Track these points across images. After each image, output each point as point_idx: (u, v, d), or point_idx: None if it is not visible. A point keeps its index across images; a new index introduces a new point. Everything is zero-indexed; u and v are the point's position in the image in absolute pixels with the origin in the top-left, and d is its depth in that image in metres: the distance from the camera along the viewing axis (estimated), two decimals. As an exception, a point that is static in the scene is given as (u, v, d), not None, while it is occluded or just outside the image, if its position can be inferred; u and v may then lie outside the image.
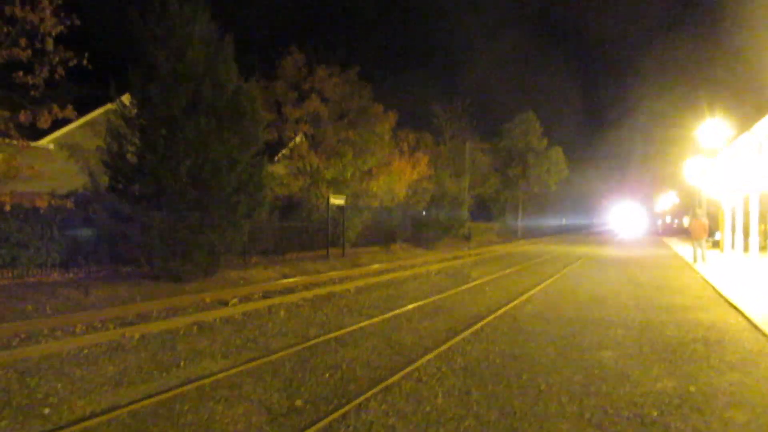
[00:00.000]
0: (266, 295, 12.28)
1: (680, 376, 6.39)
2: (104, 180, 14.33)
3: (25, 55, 12.10)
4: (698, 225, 22.60)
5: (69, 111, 12.22)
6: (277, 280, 14.78)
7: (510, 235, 48.39)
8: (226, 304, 11.18)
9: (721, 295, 12.77)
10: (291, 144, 25.94)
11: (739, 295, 12.44)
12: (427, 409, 5.27)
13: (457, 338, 8.21)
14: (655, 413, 5.21)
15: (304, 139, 25.81)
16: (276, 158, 26.48)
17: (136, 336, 8.04)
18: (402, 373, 6.32)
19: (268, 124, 23.32)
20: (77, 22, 12.71)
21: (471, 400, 5.52)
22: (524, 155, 49.15)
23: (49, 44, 13.59)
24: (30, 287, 11.66)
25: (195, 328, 8.82)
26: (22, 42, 11.90)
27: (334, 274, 16.59)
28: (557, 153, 51.53)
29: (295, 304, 11.40)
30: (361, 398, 5.44)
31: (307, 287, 13.69)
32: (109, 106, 15.54)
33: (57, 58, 12.58)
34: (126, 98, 14.69)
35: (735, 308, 11.03)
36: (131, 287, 12.61)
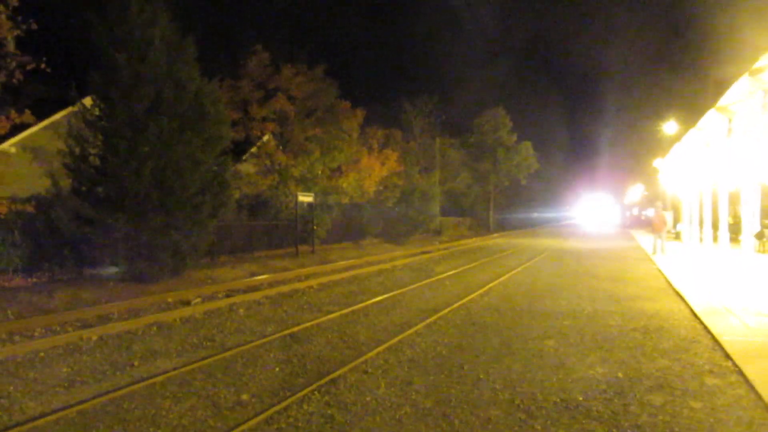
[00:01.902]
0: (229, 294, 12.46)
1: (612, 363, 6.77)
2: (67, 183, 14.34)
3: (-20, 60, 12.13)
4: (659, 218, 23.30)
5: (27, 115, 12.28)
6: (244, 279, 14.93)
7: (481, 230, 48.99)
8: (188, 303, 11.34)
9: (671, 286, 13.28)
10: (259, 143, 26.05)
11: (687, 285, 12.95)
12: (368, 399, 5.55)
13: (410, 331, 8.51)
14: (581, 398, 5.56)
15: (271, 137, 25.94)
16: (244, 157, 26.58)
17: (94, 338, 8.20)
18: (350, 366, 6.61)
19: (235, 123, 23.42)
20: (34, 26, 12.75)
21: (411, 390, 5.82)
22: (494, 150, 49.71)
23: (11, 46, 13.63)
24: (-7, 292, 11.66)
25: (154, 328, 9.00)
26: (-23, 47, 11.93)
27: (301, 271, 16.79)
28: (527, 148, 52.17)
29: (257, 302, 11.61)
30: (306, 390, 5.71)
31: (271, 285, 13.89)
32: (71, 108, 15.54)
33: (14, 63, 12.61)
34: (88, 101, 14.73)
35: (681, 298, 11.52)
36: (95, 290, 12.67)
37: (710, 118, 11.84)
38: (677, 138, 18.19)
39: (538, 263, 19.87)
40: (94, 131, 14.29)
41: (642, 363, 6.78)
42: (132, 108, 13.89)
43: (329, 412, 5.20)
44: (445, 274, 16.13)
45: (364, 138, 31.13)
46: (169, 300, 11.60)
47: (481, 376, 6.28)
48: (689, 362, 6.81)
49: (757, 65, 8.18)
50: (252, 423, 4.92)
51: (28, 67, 13.23)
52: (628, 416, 5.10)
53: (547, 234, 46.68)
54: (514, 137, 51.20)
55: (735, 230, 17.33)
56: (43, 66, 13.34)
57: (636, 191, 68.89)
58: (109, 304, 10.97)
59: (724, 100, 10.53)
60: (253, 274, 16.14)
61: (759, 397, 5.51)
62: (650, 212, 51.12)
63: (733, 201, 16.84)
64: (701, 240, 19.90)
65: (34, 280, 13.77)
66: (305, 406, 5.33)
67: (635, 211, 76.76)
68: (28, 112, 12.31)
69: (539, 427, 4.87)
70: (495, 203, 53.28)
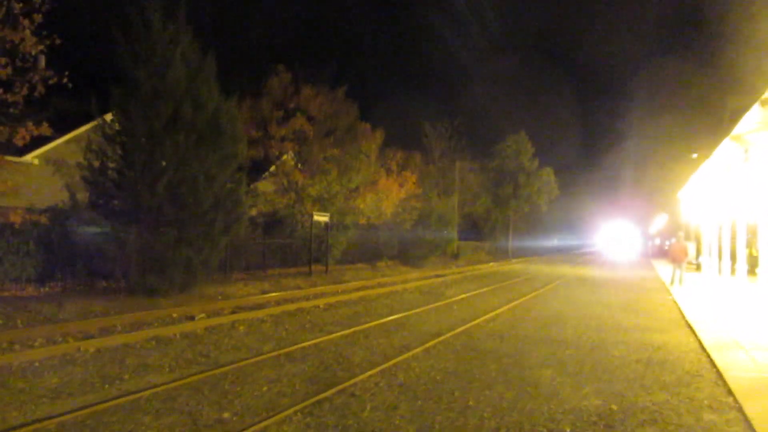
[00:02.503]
0: (235, 311, 12.48)
1: (608, 395, 6.59)
2: (85, 196, 14.58)
3: (5, 73, 12.44)
4: (679, 248, 22.79)
5: (45, 128, 12.54)
6: (254, 296, 14.96)
7: (500, 255, 48.58)
8: (192, 318, 11.37)
9: (683, 317, 12.96)
10: (277, 162, 26.27)
11: (700, 317, 12.63)
12: (350, 422, 5.47)
13: (407, 355, 8.41)
14: (569, 429, 5.41)
15: (291, 156, 26.15)
16: (264, 175, 26.81)
17: (91, 349, 8.24)
18: (338, 388, 6.53)
19: (254, 142, 23.68)
20: (58, 41, 13.08)
21: (396, 415, 5.72)
22: (515, 175, 49.49)
23: (42, 63, 14.03)
24: (3, 301, 11.81)
25: (153, 342, 9.03)
26: (2, 60, 12.24)
27: (311, 290, 16.78)
28: (548, 173, 51.91)
29: (260, 319, 11.59)
30: (289, 411, 5.65)
31: (278, 303, 13.88)
32: (94, 122, 15.85)
33: (37, 77, 12.93)
34: (110, 116, 15.01)
35: (692, 330, 11.23)
36: (105, 302, 12.78)
37: (726, 148, 11.65)
38: (695, 167, 17.93)
39: (550, 290, 19.60)
40: (113, 145, 14.55)
41: (639, 396, 6.59)
42: (150, 123, 14.13)
43: (308, 434, 5.13)
44: (454, 299, 15.97)
45: (383, 159, 31.21)
46: (174, 315, 11.65)
47: (471, 404, 6.15)
48: (689, 397, 6.61)
49: (767, 95, 8.05)
50: (228, 442, 4.88)
51: (51, 82, 13.54)
52: (614, 451, 4.95)
53: (566, 261, 46.13)
54: (536, 163, 50.99)
55: (756, 263, 16.90)
56: (65, 81, 13.65)
57: (660, 220, 67.83)
58: (115, 316, 11.04)
59: (738, 129, 10.35)
60: (264, 292, 16.16)
61: (755, 436, 5.31)
62: (673, 242, 50.15)
63: (755, 233, 16.46)
64: (720, 272, 19.47)
65: (47, 289, 13.95)
66: (284, 427, 5.27)
67: (657, 241, 75.48)
68: (45, 124, 12.59)
69: (520, 459, 4.75)
70: (515, 229, 52.87)
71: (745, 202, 13.63)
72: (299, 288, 17.43)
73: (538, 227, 61.38)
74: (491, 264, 37.23)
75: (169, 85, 14.51)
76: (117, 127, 14.64)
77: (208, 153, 14.77)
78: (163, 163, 14.10)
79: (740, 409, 6.09)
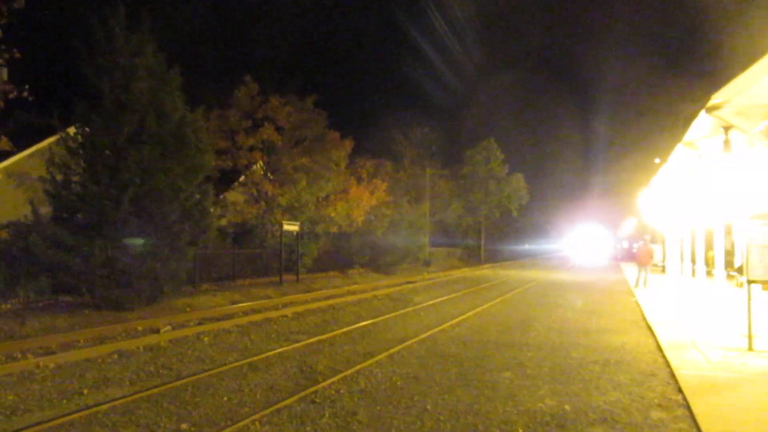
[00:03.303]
0: (201, 322, 12.44)
1: (563, 396, 6.77)
2: (49, 210, 14.40)
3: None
4: (645, 251, 23.26)
5: (5, 142, 12.42)
6: (222, 307, 14.89)
7: (472, 261, 49.00)
8: (157, 331, 11.28)
9: (644, 318, 13.29)
10: (247, 172, 26.20)
11: (660, 318, 12.96)
12: (308, 429, 5.55)
13: (370, 361, 8.51)
14: (521, 430, 5.56)
15: (260, 166, 26.11)
16: (233, 186, 26.70)
17: (51, 365, 8.17)
18: (299, 396, 6.61)
19: (223, 152, 23.59)
20: (17, 56, 12.97)
21: (354, 420, 5.81)
22: (486, 181, 50.00)
23: (4, 75, 13.89)
24: (-38, 318, 11.60)
25: (115, 355, 8.97)
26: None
27: (282, 300, 16.78)
28: (518, 179, 52.54)
29: (225, 330, 11.58)
30: (247, 420, 5.70)
31: (246, 313, 13.87)
32: (57, 135, 15.68)
33: (-5, 90, 12.81)
34: (73, 130, 14.88)
35: (651, 331, 11.53)
36: (70, 317, 12.63)
37: (680, 153, 12.01)
38: (654, 172, 18.41)
39: (519, 295, 19.88)
40: (76, 159, 14.42)
41: (593, 396, 6.78)
42: (114, 136, 14.04)
43: (265, 442, 5.20)
44: (422, 305, 16.12)
45: (353, 167, 31.30)
46: (139, 328, 11.57)
47: (429, 407, 6.27)
48: (640, 396, 6.82)
49: (711, 102, 8.35)
50: (184, 452, 4.92)
51: (11, 96, 13.42)
52: (562, 449, 5.11)
53: (536, 266, 46.71)
54: (506, 169, 51.56)
55: (714, 264, 17.39)
56: (25, 94, 13.54)
57: (629, 224, 68.99)
58: (79, 331, 10.94)
59: (690, 136, 10.69)
60: (233, 303, 16.10)
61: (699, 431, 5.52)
62: (640, 245, 50.94)
63: (713, 236, 16.93)
64: (682, 273, 19.98)
65: (9, 306, 13.70)
66: (242, 436, 5.33)
67: (625, 244, 76.66)
68: (5, 139, 12.49)
69: (471, 460, 4.87)
70: (487, 234, 53.37)
71: (701, 206, 14.03)
72: (269, 298, 17.40)
73: (509, 232, 62.03)
74: (463, 270, 37.53)
75: (133, 97, 14.45)
76: (80, 140, 14.52)
77: (174, 165, 14.72)
78: (128, 176, 14.03)
79: (688, 407, 6.31)
